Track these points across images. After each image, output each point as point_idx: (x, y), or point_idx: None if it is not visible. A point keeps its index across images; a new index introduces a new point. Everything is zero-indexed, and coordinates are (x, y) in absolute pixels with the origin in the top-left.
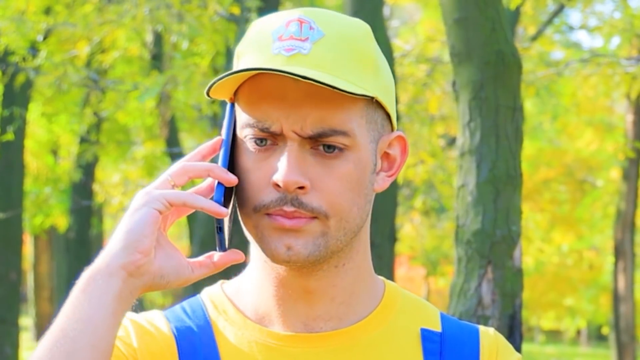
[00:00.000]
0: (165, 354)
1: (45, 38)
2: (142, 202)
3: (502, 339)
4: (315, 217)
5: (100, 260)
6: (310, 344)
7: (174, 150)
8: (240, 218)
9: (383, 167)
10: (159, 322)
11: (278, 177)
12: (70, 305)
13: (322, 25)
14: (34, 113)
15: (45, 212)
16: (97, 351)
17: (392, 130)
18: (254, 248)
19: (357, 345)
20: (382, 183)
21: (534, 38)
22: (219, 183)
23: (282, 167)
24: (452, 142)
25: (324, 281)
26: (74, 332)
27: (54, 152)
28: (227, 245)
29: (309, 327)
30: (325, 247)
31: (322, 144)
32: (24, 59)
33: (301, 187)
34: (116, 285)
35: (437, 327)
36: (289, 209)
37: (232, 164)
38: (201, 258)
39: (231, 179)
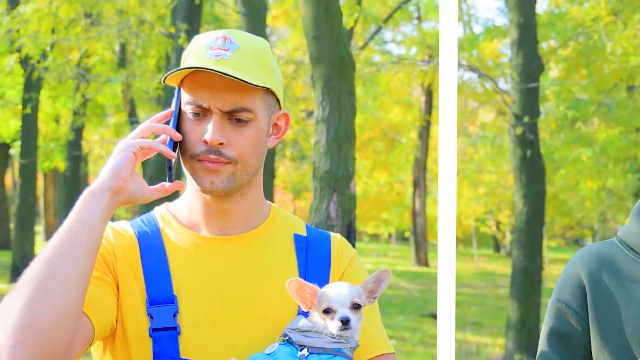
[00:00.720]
0: (131, 248)
1: (51, 48)
2: (122, 147)
3: (344, 240)
4: (229, 163)
5: (95, 184)
6: (224, 243)
7: (133, 120)
8: (181, 162)
9: (273, 132)
10: (127, 227)
11: (206, 137)
12: (75, 213)
13: (239, 40)
14: (44, 96)
15: (50, 159)
16: (92, 242)
17: (280, 109)
18: (189, 181)
19: (253, 244)
20: (272, 142)
21: (362, 47)
22: (170, 138)
23: (209, 131)
24: (310, 114)
25: (234, 204)
26: (77, 229)
27: (57, 121)
28: (173, 178)
29: (223, 232)
30: (234, 182)
31: (235, 117)
32: (37, 62)
33: (221, 144)
34: (105, 200)
35: (303, 233)
36: (212, 157)
37: (178, 127)
38: (157, 186)
39: (178, 136)
